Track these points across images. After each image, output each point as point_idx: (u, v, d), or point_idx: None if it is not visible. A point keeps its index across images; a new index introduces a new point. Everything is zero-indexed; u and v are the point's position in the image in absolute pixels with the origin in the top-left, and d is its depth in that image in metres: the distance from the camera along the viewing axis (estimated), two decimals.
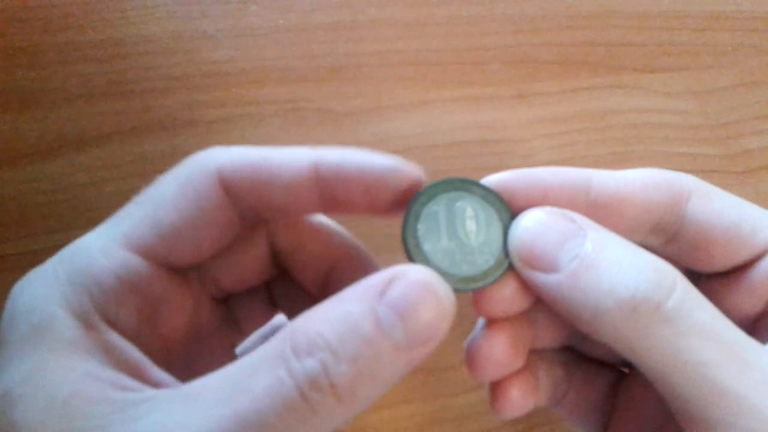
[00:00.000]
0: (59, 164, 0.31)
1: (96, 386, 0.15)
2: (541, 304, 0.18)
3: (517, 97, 0.36)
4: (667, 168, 0.20)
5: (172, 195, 0.18)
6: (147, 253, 0.17)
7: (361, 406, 0.15)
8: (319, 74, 0.34)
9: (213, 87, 0.33)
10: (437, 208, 0.18)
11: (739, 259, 0.19)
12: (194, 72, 0.33)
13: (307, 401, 0.14)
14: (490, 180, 0.19)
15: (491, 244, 0.18)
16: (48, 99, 0.31)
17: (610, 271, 0.16)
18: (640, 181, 0.19)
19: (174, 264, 0.18)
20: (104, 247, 0.17)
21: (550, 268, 0.17)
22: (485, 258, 0.18)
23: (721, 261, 0.19)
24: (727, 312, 0.17)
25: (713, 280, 0.20)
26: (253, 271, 0.22)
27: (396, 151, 0.21)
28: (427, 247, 0.18)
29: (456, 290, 0.17)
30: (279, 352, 0.14)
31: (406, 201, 0.18)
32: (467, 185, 0.19)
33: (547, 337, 0.22)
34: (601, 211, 0.19)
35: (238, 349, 0.24)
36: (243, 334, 0.24)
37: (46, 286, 0.16)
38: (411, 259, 0.18)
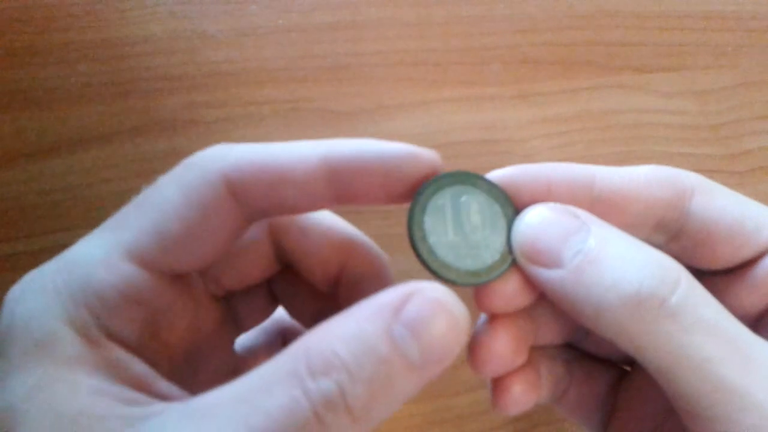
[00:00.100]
0: (59, 164, 0.31)
1: (103, 402, 0.15)
2: (543, 300, 0.18)
3: (517, 97, 0.36)
4: None
5: (175, 202, 0.17)
6: (150, 264, 0.17)
7: (373, 424, 0.15)
8: (319, 74, 0.34)
9: (213, 87, 0.33)
10: (443, 201, 0.18)
11: (742, 257, 0.19)
12: (194, 72, 0.33)
13: (321, 422, 0.14)
14: (495, 175, 0.19)
15: (495, 239, 0.18)
16: (48, 99, 0.31)
17: (614, 266, 0.16)
18: (643, 178, 0.19)
19: (177, 272, 0.18)
20: (105, 259, 0.16)
21: (554, 263, 0.17)
22: (490, 253, 0.18)
23: (725, 258, 0.19)
24: (730, 309, 0.17)
25: (716, 277, 0.20)
26: (257, 269, 0.21)
27: None
28: (432, 240, 0.18)
29: (461, 284, 0.17)
30: (293, 371, 0.14)
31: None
32: (473, 179, 0.19)
33: (549, 333, 0.22)
34: (605, 207, 0.18)
35: (238, 345, 0.23)
36: (243, 329, 0.23)
37: (46, 298, 0.16)
38: (416, 251, 0.18)
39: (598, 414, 0.22)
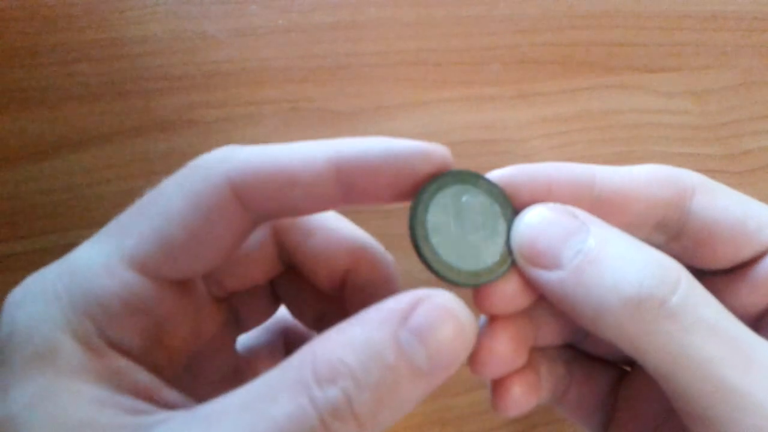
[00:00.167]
0: (59, 164, 0.31)
1: (106, 412, 0.15)
2: (543, 301, 0.18)
3: (517, 97, 0.36)
4: None
5: (179, 208, 0.16)
6: (152, 272, 0.16)
7: (380, 429, 0.15)
8: (319, 74, 0.34)
9: (213, 87, 0.33)
10: (445, 200, 0.18)
11: (743, 256, 0.19)
12: (194, 72, 0.33)
13: (328, 430, 0.14)
14: (494, 175, 0.19)
15: (495, 239, 0.18)
16: (48, 99, 0.31)
17: (614, 266, 0.16)
18: (644, 177, 0.19)
19: (180, 278, 0.18)
20: (107, 266, 0.16)
21: (553, 264, 0.17)
22: (490, 254, 0.18)
23: (726, 258, 0.19)
24: (731, 309, 0.17)
25: (717, 277, 0.20)
26: (260, 270, 0.21)
27: None
28: (435, 240, 0.18)
29: (462, 285, 0.17)
30: (300, 378, 0.14)
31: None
32: (474, 178, 0.18)
33: (549, 334, 0.22)
34: (605, 206, 0.18)
35: (239, 344, 0.23)
36: (244, 329, 0.23)
37: (47, 306, 0.15)
38: (419, 251, 0.18)
39: (598, 414, 0.22)
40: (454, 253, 0.18)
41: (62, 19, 0.32)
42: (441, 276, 0.18)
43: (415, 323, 0.15)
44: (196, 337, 0.19)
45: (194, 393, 0.18)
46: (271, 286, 0.23)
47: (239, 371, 0.23)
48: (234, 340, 0.23)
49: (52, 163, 0.30)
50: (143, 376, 0.16)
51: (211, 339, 0.21)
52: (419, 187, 0.18)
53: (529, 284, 0.18)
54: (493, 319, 0.19)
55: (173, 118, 0.32)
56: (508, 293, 0.18)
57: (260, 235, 0.21)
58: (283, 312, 0.24)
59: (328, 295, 0.22)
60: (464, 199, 0.18)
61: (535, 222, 0.18)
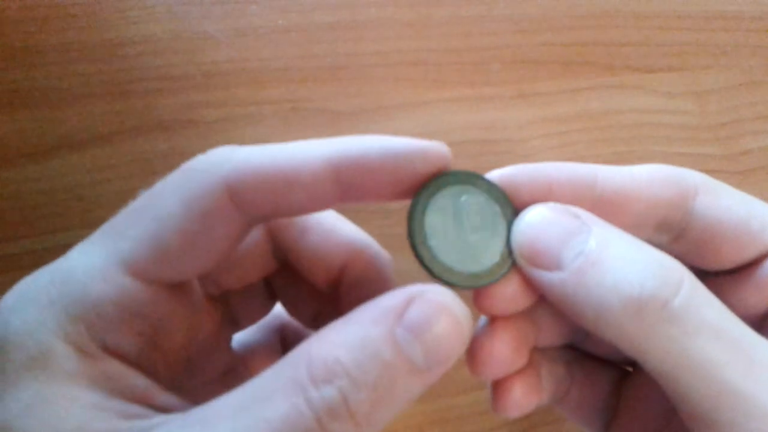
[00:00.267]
0: (59, 164, 0.31)
1: (102, 417, 0.15)
2: (544, 301, 0.18)
3: (517, 97, 0.36)
4: None
5: (174, 212, 0.16)
6: (147, 276, 0.16)
7: (377, 429, 0.14)
8: (319, 74, 0.34)
9: (213, 87, 0.33)
10: (443, 201, 0.18)
11: (747, 257, 0.19)
12: (194, 72, 0.33)
13: (325, 430, 0.14)
14: (494, 174, 0.19)
15: (495, 240, 0.18)
16: (48, 99, 0.31)
17: (615, 267, 0.16)
18: (646, 177, 0.19)
19: (175, 281, 0.17)
20: (102, 271, 0.16)
21: (554, 265, 0.17)
22: (489, 255, 0.18)
23: (729, 258, 0.19)
24: (735, 310, 0.17)
25: (720, 277, 0.20)
26: (255, 268, 0.21)
27: None
28: (433, 242, 0.18)
29: (461, 287, 0.17)
30: (295, 378, 0.14)
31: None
32: (473, 179, 0.18)
33: (550, 335, 0.21)
34: (607, 206, 0.18)
35: (235, 342, 0.23)
36: (240, 327, 0.23)
37: (41, 311, 0.15)
38: (417, 254, 0.17)
39: (599, 415, 0.22)
40: (452, 255, 0.18)
41: (62, 19, 0.32)
42: (440, 279, 0.17)
43: (411, 320, 0.15)
44: (192, 337, 0.19)
45: (191, 393, 0.18)
46: (267, 283, 0.23)
47: (236, 370, 0.23)
48: (230, 339, 0.23)
49: (52, 163, 0.30)
50: (138, 380, 0.16)
51: (208, 339, 0.21)
52: (418, 189, 0.18)
53: (530, 285, 0.18)
54: (493, 319, 0.19)
55: (173, 118, 0.32)
56: (508, 294, 0.18)
57: (255, 233, 0.20)
58: (279, 309, 0.24)
59: (324, 293, 0.22)
60: (463, 200, 0.18)
61: (536, 222, 0.17)
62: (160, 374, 0.17)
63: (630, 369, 0.23)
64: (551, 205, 0.18)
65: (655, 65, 0.39)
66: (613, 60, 0.38)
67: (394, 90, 0.35)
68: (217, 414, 0.14)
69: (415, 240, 0.17)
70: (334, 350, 0.14)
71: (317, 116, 0.34)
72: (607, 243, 0.16)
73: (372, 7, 0.36)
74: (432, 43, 0.36)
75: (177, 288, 0.18)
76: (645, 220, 0.19)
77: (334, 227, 0.21)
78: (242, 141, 0.22)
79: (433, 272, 0.17)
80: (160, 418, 0.15)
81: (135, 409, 0.15)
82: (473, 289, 0.18)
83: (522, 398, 0.20)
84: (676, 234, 0.19)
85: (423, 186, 0.18)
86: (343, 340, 0.14)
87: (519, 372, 0.20)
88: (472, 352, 0.19)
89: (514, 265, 0.18)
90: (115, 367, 0.16)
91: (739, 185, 0.19)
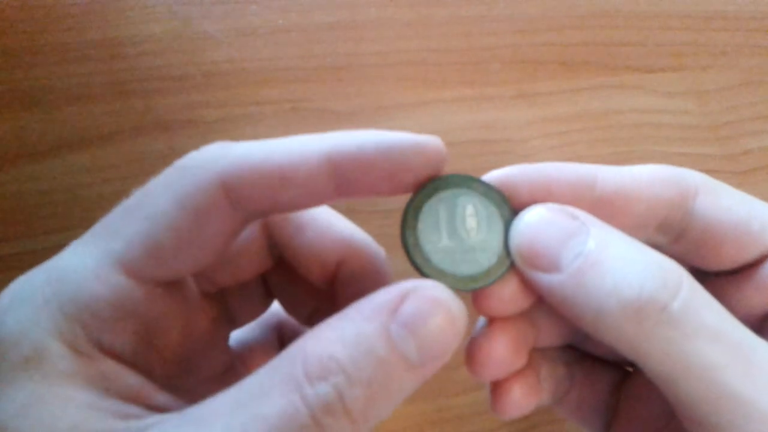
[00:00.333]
0: (59, 164, 0.31)
1: (97, 417, 0.14)
2: (543, 302, 0.18)
3: (517, 97, 0.36)
4: None
5: (168, 210, 0.16)
6: (142, 275, 0.16)
7: (373, 424, 0.14)
8: (319, 74, 0.34)
9: (213, 87, 0.33)
10: (437, 205, 0.18)
11: (748, 257, 0.19)
12: (194, 72, 0.33)
13: (320, 427, 0.14)
14: (493, 176, 0.19)
15: (493, 242, 0.18)
16: (48, 99, 0.31)
17: (614, 269, 0.16)
18: (646, 177, 0.19)
19: (170, 280, 0.17)
20: (96, 271, 0.16)
21: (552, 267, 0.17)
22: (486, 256, 0.18)
23: (730, 259, 0.19)
24: (735, 311, 0.16)
25: (720, 278, 0.20)
26: (250, 264, 0.21)
27: None
28: (426, 246, 0.18)
29: (458, 290, 0.16)
30: (291, 376, 0.14)
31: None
32: (468, 182, 0.18)
33: (550, 335, 0.21)
34: (607, 207, 0.18)
35: (233, 339, 0.23)
36: (237, 324, 0.23)
37: (35, 311, 0.15)
38: (410, 258, 0.17)
39: (600, 416, 0.22)
40: (447, 258, 0.18)
41: (62, 19, 0.32)
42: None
43: (405, 315, 0.15)
44: (188, 335, 0.19)
45: (188, 392, 0.18)
46: (264, 280, 0.23)
47: (233, 367, 0.23)
48: (227, 337, 0.23)
49: (52, 163, 0.30)
50: (134, 380, 0.16)
51: (204, 336, 0.20)
52: (412, 193, 0.18)
53: (528, 286, 0.18)
54: (491, 320, 0.19)
55: (173, 118, 0.32)
56: (507, 295, 0.18)
57: (250, 229, 0.20)
58: (277, 307, 0.24)
59: (320, 290, 0.22)
60: (458, 202, 0.18)
61: (534, 222, 0.17)
62: (156, 373, 0.17)
63: (630, 369, 0.23)
64: (550, 205, 0.18)
65: (655, 65, 0.39)
66: (613, 60, 0.38)
67: (394, 90, 0.35)
68: (213, 412, 0.14)
69: (408, 244, 0.18)
70: (329, 347, 0.14)
71: (317, 116, 0.34)
72: (606, 244, 0.16)
73: (372, 7, 0.36)
74: (432, 43, 0.36)
75: (172, 286, 0.18)
76: (645, 221, 0.19)
77: (329, 224, 0.21)
78: (242, 141, 0.22)
79: (427, 276, 0.17)
80: (155, 418, 0.15)
81: (130, 408, 0.15)
82: (471, 292, 0.18)
83: (521, 399, 0.20)
84: (677, 234, 0.19)
85: (417, 190, 0.18)
86: (338, 337, 0.14)
87: (518, 373, 0.20)
88: (471, 353, 0.19)
89: (513, 267, 0.18)
90: (111, 367, 0.16)
91: (739, 185, 0.19)
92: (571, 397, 0.22)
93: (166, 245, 0.16)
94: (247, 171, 0.16)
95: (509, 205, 0.18)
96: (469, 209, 0.18)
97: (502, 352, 0.19)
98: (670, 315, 0.15)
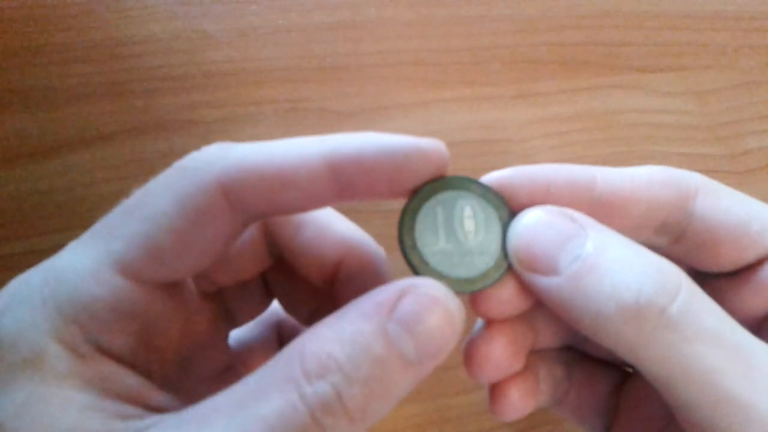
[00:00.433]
0: (59, 164, 0.31)
1: (96, 417, 0.14)
2: (541, 304, 0.18)
3: (517, 97, 0.36)
4: None
5: (168, 212, 0.16)
6: (141, 277, 0.16)
7: (371, 423, 0.15)
8: (319, 74, 0.34)
9: (213, 87, 0.33)
10: (435, 207, 0.18)
11: (747, 259, 0.19)
12: (194, 72, 0.33)
13: (319, 426, 0.14)
14: (491, 177, 0.18)
15: (490, 244, 0.18)
16: (48, 99, 0.31)
17: (612, 272, 0.16)
18: (646, 179, 0.18)
19: (169, 281, 0.17)
20: (94, 272, 0.16)
21: (550, 270, 0.17)
22: (484, 259, 0.18)
23: (729, 260, 0.19)
24: (734, 313, 0.16)
25: (720, 279, 0.19)
26: (249, 264, 0.21)
27: None
28: (424, 248, 0.18)
29: (456, 292, 0.16)
30: (289, 375, 0.14)
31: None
32: (465, 183, 0.18)
33: (548, 337, 0.21)
34: (606, 209, 0.18)
35: (232, 339, 0.23)
36: (237, 324, 0.23)
37: (33, 312, 0.15)
38: (408, 260, 0.17)
39: (599, 416, 0.22)
40: (444, 261, 0.18)
41: (62, 19, 0.32)
42: None
43: (402, 314, 0.15)
44: (187, 336, 0.19)
45: (188, 392, 0.18)
46: (263, 280, 0.23)
47: (233, 367, 0.23)
48: (226, 336, 0.23)
49: (52, 163, 0.30)
50: (132, 380, 0.16)
51: (203, 336, 0.20)
52: (409, 195, 0.17)
53: (526, 289, 0.18)
54: (489, 322, 0.19)
55: (173, 118, 0.32)
56: (504, 298, 0.18)
57: (249, 229, 0.20)
58: (276, 306, 0.24)
59: (320, 290, 0.22)
60: (456, 204, 0.18)
61: (532, 225, 0.17)
62: (155, 374, 0.17)
63: (630, 370, 0.23)
64: (548, 208, 0.18)
65: (655, 65, 0.39)
66: (613, 60, 0.38)
67: (394, 90, 0.35)
68: (212, 412, 0.14)
69: (405, 246, 0.17)
70: (327, 345, 0.14)
71: (317, 116, 0.34)
72: (604, 247, 0.16)
73: (372, 7, 0.36)
74: (432, 43, 0.36)
75: (170, 287, 0.18)
76: (645, 222, 0.19)
77: (329, 223, 0.21)
78: (242, 141, 0.22)
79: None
80: (155, 418, 0.15)
81: (129, 409, 0.15)
82: (469, 294, 0.18)
83: (519, 401, 0.20)
84: (676, 236, 0.19)
85: (414, 192, 0.18)
86: (336, 336, 0.14)
87: (516, 375, 0.20)
88: (469, 355, 0.19)
89: (510, 269, 0.18)
90: (109, 368, 0.16)
91: (739, 185, 0.19)
92: (570, 398, 0.22)
93: (166, 246, 0.16)
94: (247, 173, 0.16)
95: (507, 207, 0.18)
96: (467, 211, 0.18)
97: (500, 354, 0.19)
98: (668, 318, 0.15)
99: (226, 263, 0.21)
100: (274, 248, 0.21)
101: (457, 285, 0.17)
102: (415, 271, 0.17)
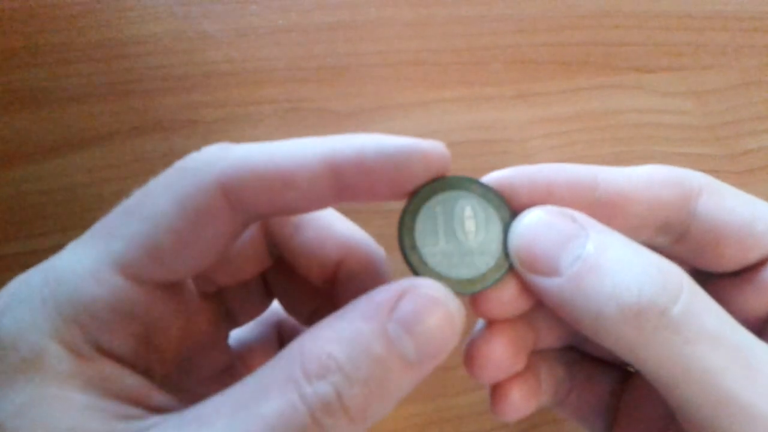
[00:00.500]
0: (59, 164, 0.31)
1: (97, 418, 0.14)
2: (542, 304, 0.18)
3: (517, 97, 0.36)
4: None
5: (168, 212, 0.16)
6: (141, 277, 0.16)
7: (371, 423, 0.15)
8: (319, 74, 0.34)
9: (213, 87, 0.33)
10: (435, 208, 0.18)
11: (750, 259, 0.19)
12: (194, 72, 0.33)
13: (319, 426, 0.14)
14: (492, 177, 0.18)
15: (491, 244, 0.18)
16: (48, 99, 0.31)
17: (613, 272, 0.16)
18: (647, 178, 0.18)
19: (169, 281, 0.17)
20: (95, 272, 0.16)
21: (551, 271, 0.16)
22: (485, 259, 0.18)
23: (733, 260, 0.19)
24: (736, 313, 0.16)
25: (722, 280, 0.19)
26: (249, 264, 0.21)
27: None
28: (424, 249, 0.17)
29: (456, 293, 0.16)
30: (289, 375, 0.14)
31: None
32: (466, 183, 0.18)
33: (549, 337, 0.21)
34: (608, 209, 0.18)
35: (232, 338, 0.23)
36: (237, 324, 0.23)
37: (33, 313, 0.15)
38: (408, 261, 0.17)
39: (601, 416, 0.22)
40: (444, 261, 0.17)
41: (62, 19, 0.32)
42: None
43: (402, 314, 0.15)
44: (188, 336, 0.19)
45: (188, 392, 0.18)
46: (264, 280, 0.23)
47: (233, 367, 0.23)
48: (226, 336, 0.23)
49: (52, 163, 0.30)
50: (133, 381, 0.16)
51: (203, 336, 0.20)
52: (409, 196, 0.17)
53: (527, 289, 0.18)
54: (490, 323, 0.19)
55: (173, 118, 0.32)
56: (505, 298, 0.18)
57: (249, 229, 0.20)
58: (277, 306, 0.24)
59: (320, 290, 0.22)
60: (457, 204, 0.18)
61: (533, 225, 0.17)
62: (156, 374, 0.17)
63: (632, 370, 0.23)
64: (549, 208, 0.17)
65: (655, 65, 0.39)
66: (613, 60, 0.38)
67: (394, 90, 0.35)
68: (212, 412, 0.14)
69: (404, 247, 0.17)
70: (327, 346, 0.14)
71: (317, 116, 0.34)
72: (605, 247, 0.16)
73: (372, 7, 0.36)
74: (432, 43, 0.36)
75: (171, 287, 0.18)
76: (646, 222, 0.18)
77: (329, 223, 0.21)
78: (242, 141, 0.22)
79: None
80: (155, 419, 0.15)
81: (130, 409, 0.15)
82: (470, 295, 0.18)
83: (520, 401, 0.20)
84: (678, 235, 0.19)
85: (414, 193, 0.17)
86: (336, 336, 0.15)
87: (517, 375, 0.20)
88: (469, 355, 0.19)
89: (511, 269, 0.18)
90: (110, 368, 0.16)
91: (739, 185, 0.19)
92: (571, 399, 0.22)
93: (166, 247, 0.16)
94: (247, 174, 0.16)
95: (508, 207, 0.18)
96: (468, 211, 0.18)
97: (501, 354, 0.19)
98: (669, 319, 0.15)
99: (226, 263, 0.20)
100: (274, 248, 0.21)
101: (457, 285, 0.17)
102: (415, 272, 0.17)
